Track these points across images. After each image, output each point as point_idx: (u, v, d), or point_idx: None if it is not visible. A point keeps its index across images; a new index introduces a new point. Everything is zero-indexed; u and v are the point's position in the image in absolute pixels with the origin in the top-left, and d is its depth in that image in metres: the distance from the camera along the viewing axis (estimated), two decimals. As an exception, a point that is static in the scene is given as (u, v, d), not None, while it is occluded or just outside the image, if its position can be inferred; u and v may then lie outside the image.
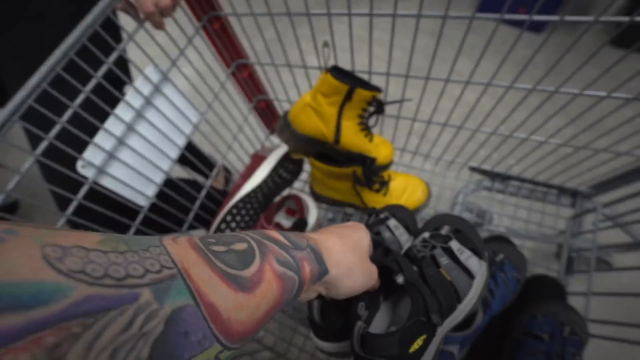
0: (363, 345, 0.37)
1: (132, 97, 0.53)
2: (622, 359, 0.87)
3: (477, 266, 0.44)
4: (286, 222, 0.71)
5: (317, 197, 0.74)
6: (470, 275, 0.43)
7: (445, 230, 0.48)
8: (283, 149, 0.73)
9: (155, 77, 0.56)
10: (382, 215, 0.55)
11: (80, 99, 0.46)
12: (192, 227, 0.73)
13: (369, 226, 0.53)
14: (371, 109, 0.61)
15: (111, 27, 0.49)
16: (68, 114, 0.46)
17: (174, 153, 0.61)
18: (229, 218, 0.69)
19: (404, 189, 0.69)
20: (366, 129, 0.64)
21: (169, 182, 0.64)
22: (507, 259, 0.56)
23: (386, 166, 0.70)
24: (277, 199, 0.75)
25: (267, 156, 0.73)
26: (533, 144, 0.65)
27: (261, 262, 0.25)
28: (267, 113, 0.86)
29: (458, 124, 0.66)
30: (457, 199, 0.75)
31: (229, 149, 0.72)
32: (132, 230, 0.57)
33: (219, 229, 0.69)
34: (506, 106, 0.66)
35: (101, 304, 0.16)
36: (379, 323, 0.43)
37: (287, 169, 0.74)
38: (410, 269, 0.40)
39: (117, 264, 0.17)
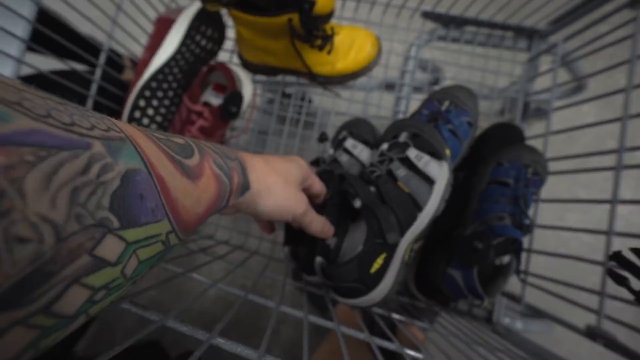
0: (326, 276, 0.40)
1: None
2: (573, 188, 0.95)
3: (437, 170, 0.43)
4: (216, 100, 0.59)
5: (249, 67, 0.61)
6: (430, 181, 0.42)
7: (403, 137, 0.45)
8: (194, 6, 0.57)
9: None
10: (340, 136, 0.53)
11: None
12: None
13: (331, 157, 0.51)
14: None
15: None
16: None
17: (21, 29, 0.44)
18: (142, 103, 0.55)
19: (351, 43, 0.58)
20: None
21: (35, 77, 0.49)
22: (453, 105, 0.50)
23: (327, 16, 0.57)
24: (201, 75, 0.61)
25: (175, 18, 0.57)
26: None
27: (200, 158, 0.24)
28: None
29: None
30: (410, 53, 0.66)
31: (114, 24, 0.54)
32: None
33: (132, 119, 0.56)
34: None
35: (52, 140, 0.13)
36: (351, 244, 0.43)
37: (205, 35, 0.59)
38: (365, 191, 0.40)
39: (59, 109, 0.15)
